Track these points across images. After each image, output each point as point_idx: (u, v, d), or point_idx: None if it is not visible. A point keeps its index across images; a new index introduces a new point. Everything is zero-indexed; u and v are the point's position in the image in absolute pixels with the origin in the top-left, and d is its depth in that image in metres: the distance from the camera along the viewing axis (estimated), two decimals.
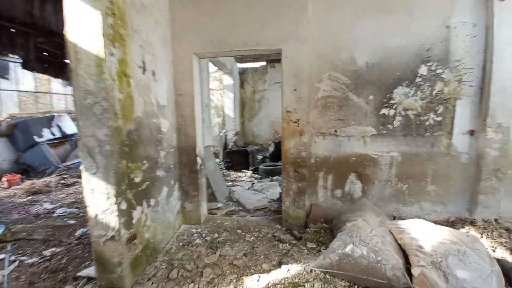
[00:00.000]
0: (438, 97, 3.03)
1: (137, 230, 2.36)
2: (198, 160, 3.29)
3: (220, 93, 8.72)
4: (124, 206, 2.17)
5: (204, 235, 3.11)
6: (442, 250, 1.81)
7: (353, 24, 3.01)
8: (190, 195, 3.33)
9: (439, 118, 3.04)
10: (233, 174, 5.75)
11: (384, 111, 3.09)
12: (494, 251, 2.40)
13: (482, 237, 2.60)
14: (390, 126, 3.10)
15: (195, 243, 2.93)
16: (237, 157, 5.91)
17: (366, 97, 3.10)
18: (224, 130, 8.14)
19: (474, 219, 2.91)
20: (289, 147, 3.12)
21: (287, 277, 2.24)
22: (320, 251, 2.64)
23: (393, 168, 3.14)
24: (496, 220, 2.83)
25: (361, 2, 2.98)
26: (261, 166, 5.37)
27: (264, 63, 8.87)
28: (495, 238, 2.51)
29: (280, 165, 5.42)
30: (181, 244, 2.92)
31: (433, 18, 2.96)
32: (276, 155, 6.15)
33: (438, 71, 3.00)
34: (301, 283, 2.15)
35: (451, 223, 2.94)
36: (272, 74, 9.13)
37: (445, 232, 2.08)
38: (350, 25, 3.02)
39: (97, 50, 1.94)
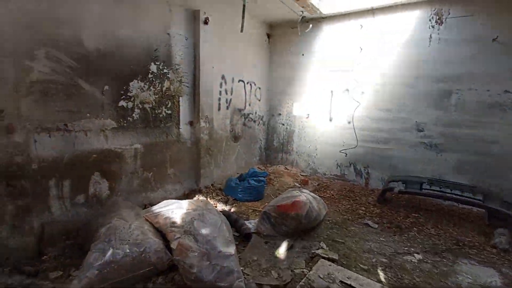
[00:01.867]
0: (167, 93, 3.47)
1: None
2: None
3: None
4: None
5: None
6: (189, 218, 2.19)
7: None
8: None
9: (170, 111, 3.52)
10: None
11: (123, 103, 2.98)
12: (216, 206, 3.35)
13: (207, 198, 3.51)
14: (130, 118, 3.07)
15: None
16: None
17: (101, 87, 2.78)
18: None
19: (200, 188, 3.82)
20: None
21: None
22: (71, 275, 2.09)
23: (138, 159, 3.18)
24: (212, 184, 3.93)
25: None
26: None
27: None
28: (214, 197, 3.51)
29: None
30: None
31: (157, 23, 3.28)
32: None
33: (165, 70, 3.42)
34: None
35: (187, 196, 3.63)
36: None
37: (186, 204, 2.52)
38: None
39: None
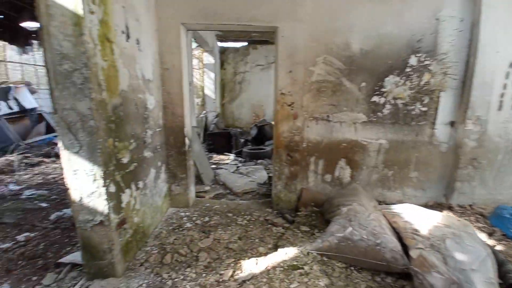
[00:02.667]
0: (424, 88, 3.06)
1: (127, 214, 2.10)
2: (186, 141, 3.03)
3: (199, 73, 8.22)
4: (112, 189, 1.90)
5: (194, 218, 2.92)
6: (439, 233, 1.85)
7: (349, 8, 2.86)
8: (178, 177, 3.09)
9: (425, 109, 3.09)
10: (216, 157, 5.52)
11: (375, 98, 3.06)
12: None
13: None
14: (380, 113, 3.10)
15: (185, 227, 2.74)
16: (219, 140, 5.67)
17: (358, 84, 3.03)
18: (204, 111, 7.75)
19: (451, 204, 3.08)
20: (282, 130, 2.99)
21: (285, 260, 2.17)
22: (314, 234, 2.61)
23: (380, 154, 3.17)
24: (470, 205, 3.03)
25: None
26: (245, 149, 5.21)
27: (245, 43, 8.42)
28: (473, 223, 2.68)
29: (264, 149, 5.33)
30: (170, 228, 2.71)
31: (425, 9, 2.93)
32: (259, 139, 6.03)
33: (426, 62, 3.02)
34: (300, 265, 2.09)
35: (430, 207, 3.08)
36: (253, 56, 8.77)
37: (438, 216, 2.14)
38: (346, 8, 2.87)
39: (74, 5, 1.57)
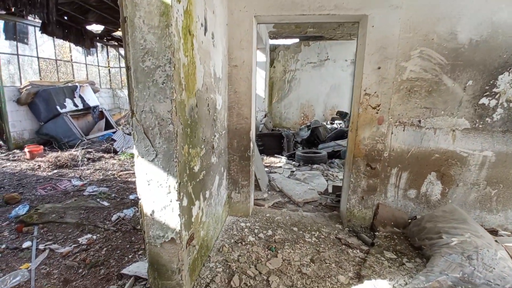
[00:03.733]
0: None
1: (195, 228, 1.86)
2: (251, 145, 2.73)
3: None
4: (185, 202, 1.65)
5: (256, 230, 2.62)
6: None
7: None
8: (239, 184, 2.81)
9: None
10: (266, 159, 5.21)
11: (484, 100, 2.44)
12: None
13: None
14: (488, 119, 2.46)
15: (248, 240, 2.45)
16: (270, 141, 5.35)
17: (464, 82, 2.43)
18: None
19: None
20: (363, 137, 2.53)
21: None
22: (404, 264, 2.13)
23: (483, 169, 2.54)
24: None
25: None
26: (298, 153, 4.80)
27: (297, 40, 7.92)
28: None
29: (319, 153, 4.87)
30: (232, 240, 2.44)
31: None
32: (311, 141, 5.57)
33: None
34: None
35: None
36: (305, 52, 8.24)
37: None
38: None
39: None
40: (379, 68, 2.38)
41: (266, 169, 4.48)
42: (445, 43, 2.38)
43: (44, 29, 6.03)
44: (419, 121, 2.53)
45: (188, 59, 1.60)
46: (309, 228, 2.70)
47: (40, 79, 8.64)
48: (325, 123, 6.79)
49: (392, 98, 2.49)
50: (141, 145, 1.51)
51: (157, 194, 1.55)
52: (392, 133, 2.58)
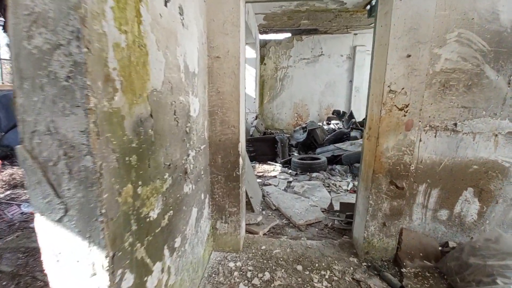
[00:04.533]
0: None
1: None
2: (240, 161, 2.07)
3: None
4: (130, 280, 0.97)
5: (249, 274, 1.97)
6: None
7: None
8: (226, 212, 2.15)
9: None
10: (259, 167, 4.55)
11: None
12: None
13: None
14: None
15: None
16: (262, 146, 4.69)
17: (508, 75, 1.87)
18: None
19: None
20: (386, 147, 1.92)
21: None
22: None
23: None
24: None
25: None
26: (295, 159, 4.18)
27: (289, 34, 7.20)
28: None
29: (318, 159, 4.26)
30: None
31: None
32: (307, 145, 4.96)
33: None
34: None
35: None
36: (298, 48, 7.54)
37: None
38: None
39: None
40: (408, 56, 1.77)
41: (258, 180, 3.83)
42: (486, 25, 1.80)
43: None
44: (455, 124, 1.94)
45: (129, 38, 0.92)
46: (317, 265, 2.07)
47: (2, 83, 7.62)
48: (321, 124, 6.21)
49: (424, 95, 1.89)
50: (36, 194, 0.82)
51: (74, 276, 0.87)
52: (420, 140, 1.98)
